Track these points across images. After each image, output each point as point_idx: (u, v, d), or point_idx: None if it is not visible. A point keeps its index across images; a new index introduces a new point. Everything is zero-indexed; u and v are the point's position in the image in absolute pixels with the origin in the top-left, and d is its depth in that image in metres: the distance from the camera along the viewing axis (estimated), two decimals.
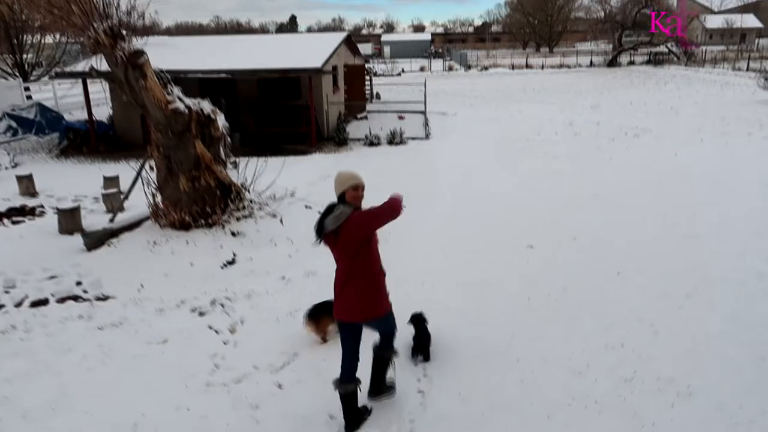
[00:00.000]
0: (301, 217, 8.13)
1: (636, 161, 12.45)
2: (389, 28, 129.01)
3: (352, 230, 3.62)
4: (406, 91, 29.60)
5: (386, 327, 4.03)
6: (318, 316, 5.13)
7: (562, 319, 5.43)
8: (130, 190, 8.27)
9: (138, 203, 8.29)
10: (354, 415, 3.96)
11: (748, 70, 35.72)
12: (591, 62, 50.48)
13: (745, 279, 6.20)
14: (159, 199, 7.77)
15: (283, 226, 7.67)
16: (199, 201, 7.46)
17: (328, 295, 4.11)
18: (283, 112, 16.42)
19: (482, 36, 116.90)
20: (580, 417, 4.02)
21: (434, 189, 10.54)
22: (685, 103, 21.70)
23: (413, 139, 16.29)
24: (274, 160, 10.80)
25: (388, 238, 6.12)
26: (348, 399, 3.91)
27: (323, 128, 16.72)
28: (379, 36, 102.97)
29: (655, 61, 47.79)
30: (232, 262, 6.89)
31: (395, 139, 15.81)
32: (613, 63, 48.59)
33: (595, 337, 5.07)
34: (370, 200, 3.85)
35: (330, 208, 3.74)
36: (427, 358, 4.85)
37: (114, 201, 9.18)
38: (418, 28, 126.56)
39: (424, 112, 19.77)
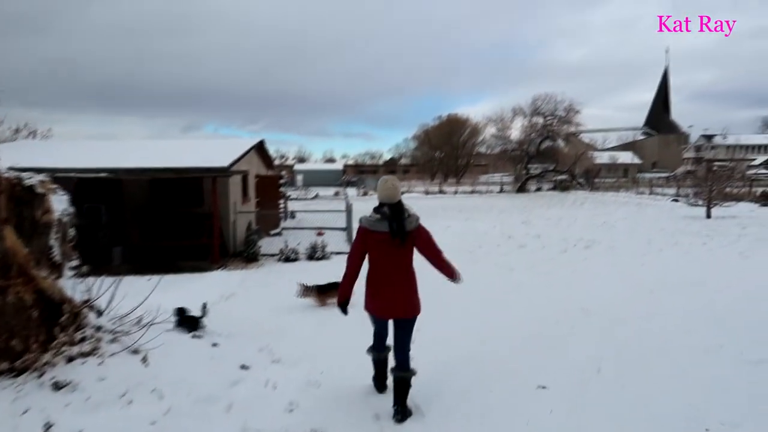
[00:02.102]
0: (184, 353, 5.18)
1: (603, 271, 10.59)
2: (301, 160, 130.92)
3: (423, 235, 4.40)
4: (323, 213, 27.76)
5: (411, 326, 4.46)
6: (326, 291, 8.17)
7: None
8: None
9: None
10: (383, 378, 4.78)
11: (651, 194, 37.39)
12: (501, 188, 51.88)
13: None
14: None
15: (148, 367, 4.66)
16: (2, 329, 4.38)
17: None
18: (180, 221, 13.53)
19: (392, 168, 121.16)
20: None
21: None
22: (613, 219, 21.06)
23: (338, 253, 13.81)
24: (166, 279, 8.05)
25: None
26: (381, 365, 4.78)
27: (229, 242, 13.92)
28: (291, 166, 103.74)
29: (561, 187, 49.76)
30: None
31: (316, 253, 13.26)
32: (522, 189, 50.06)
33: None
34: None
35: (395, 211, 4.28)
36: None
37: None
38: (330, 161, 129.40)
39: (346, 229, 17.44)
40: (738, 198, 26.34)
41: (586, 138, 68.05)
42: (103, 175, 11.82)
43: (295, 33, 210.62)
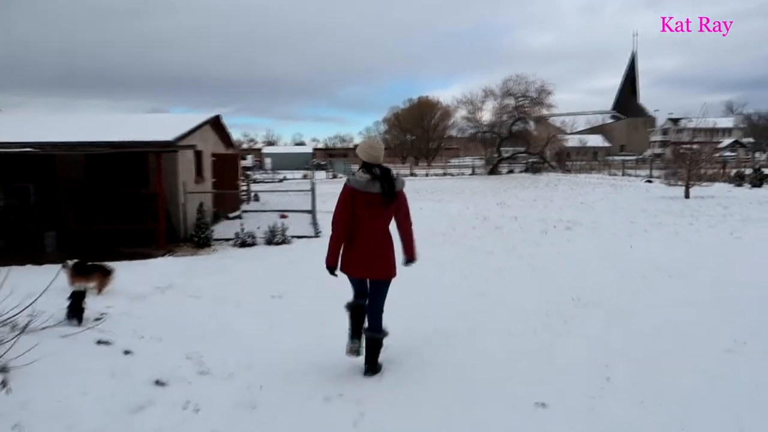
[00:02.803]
0: (76, 367, 3.96)
1: (590, 254, 9.65)
2: (270, 143, 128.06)
3: (403, 198, 4.42)
4: (290, 195, 26.49)
5: (387, 288, 4.49)
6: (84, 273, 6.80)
7: None
8: None
9: None
10: (360, 326, 4.46)
11: (624, 175, 36.99)
12: (473, 170, 51.11)
13: None
14: None
15: (12, 394, 3.43)
16: None
17: None
18: (122, 203, 12.12)
19: None
20: None
21: (338, 303, 6.80)
22: (591, 199, 20.28)
23: (299, 237, 12.63)
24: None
25: None
26: (358, 310, 4.49)
27: (179, 226, 12.57)
28: (260, 150, 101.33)
29: (533, 169, 49.22)
30: None
31: (276, 237, 12.03)
32: (494, 171, 49.36)
33: None
34: None
35: (384, 172, 4.26)
36: None
37: None
38: (300, 144, 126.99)
39: (312, 211, 16.19)
40: (712, 179, 26.00)
41: (555, 121, 67.83)
42: (27, 150, 10.34)
43: (267, 16, 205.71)
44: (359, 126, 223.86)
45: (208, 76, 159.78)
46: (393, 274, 4.44)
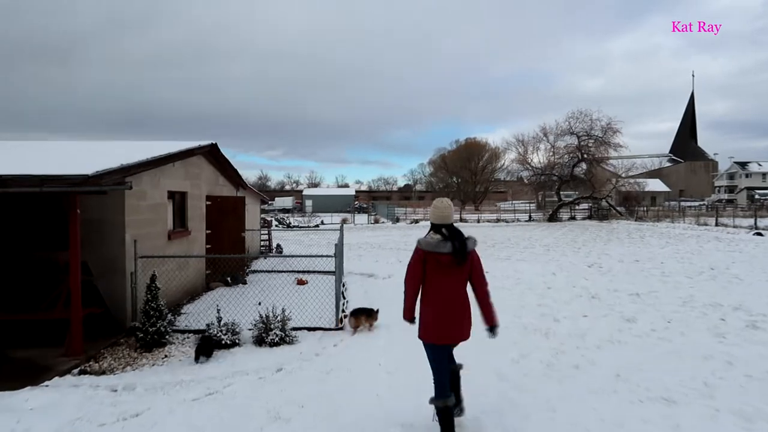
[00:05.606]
0: None
1: None
2: (313, 185, 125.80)
3: (476, 258, 4.24)
4: (320, 243, 22.10)
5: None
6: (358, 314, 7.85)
7: None
8: None
9: None
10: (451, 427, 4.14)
11: (717, 225, 30.98)
12: (530, 217, 45.75)
13: None
14: None
15: None
16: None
17: None
18: (28, 275, 7.78)
19: (407, 194, 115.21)
20: None
21: None
22: (718, 262, 14.85)
23: (310, 329, 7.99)
24: None
25: None
26: (447, 412, 4.13)
27: (125, 309, 8.07)
28: (301, 191, 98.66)
29: (600, 216, 43.49)
30: None
31: (271, 332, 7.39)
32: (553, 217, 43.85)
33: None
34: None
35: (454, 232, 4.10)
36: None
37: None
38: (344, 186, 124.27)
39: (335, 272, 10.76)
40: None
41: (612, 165, 61.86)
42: None
43: (315, 62, 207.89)
44: (404, 169, 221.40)
45: (258, 120, 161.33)
46: (469, 335, 4.19)
